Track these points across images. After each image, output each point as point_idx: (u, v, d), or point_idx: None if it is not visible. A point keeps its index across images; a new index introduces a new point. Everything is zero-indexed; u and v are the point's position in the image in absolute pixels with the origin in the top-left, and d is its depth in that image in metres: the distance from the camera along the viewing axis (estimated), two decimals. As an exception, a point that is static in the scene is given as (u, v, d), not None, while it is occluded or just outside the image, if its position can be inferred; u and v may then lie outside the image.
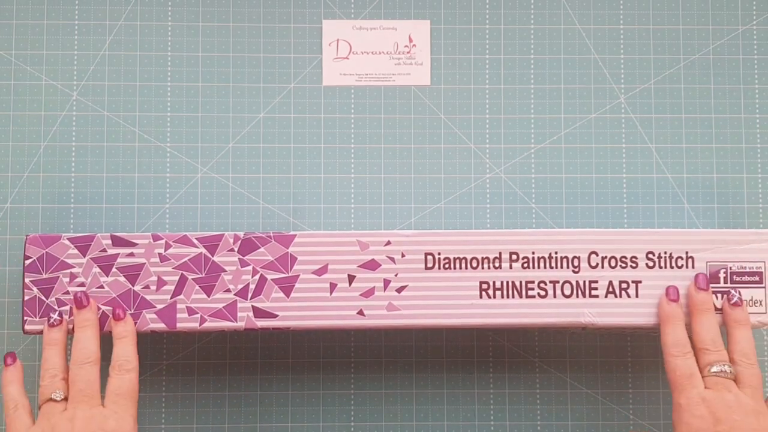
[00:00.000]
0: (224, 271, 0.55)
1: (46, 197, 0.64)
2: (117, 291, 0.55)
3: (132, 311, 0.55)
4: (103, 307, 0.55)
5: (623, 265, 0.56)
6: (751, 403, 0.53)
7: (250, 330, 0.55)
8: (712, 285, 0.56)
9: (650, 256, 0.56)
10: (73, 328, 0.55)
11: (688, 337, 0.55)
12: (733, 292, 0.56)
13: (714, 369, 0.53)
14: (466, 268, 0.56)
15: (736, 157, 0.66)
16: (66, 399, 0.53)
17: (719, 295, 0.56)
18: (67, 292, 0.55)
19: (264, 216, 0.65)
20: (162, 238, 0.55)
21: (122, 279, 0.55)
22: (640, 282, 0.56)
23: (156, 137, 0.65)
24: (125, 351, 0.54)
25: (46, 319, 0.55)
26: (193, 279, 0.55)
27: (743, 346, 0.54)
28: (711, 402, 0.52)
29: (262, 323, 0.55)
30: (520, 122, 0.66)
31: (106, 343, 0.55)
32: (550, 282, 0.56)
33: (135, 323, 0.55)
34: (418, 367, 0.64)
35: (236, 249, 0.56)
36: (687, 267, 0.56)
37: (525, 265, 0.56)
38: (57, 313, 0.55)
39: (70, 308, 0.55)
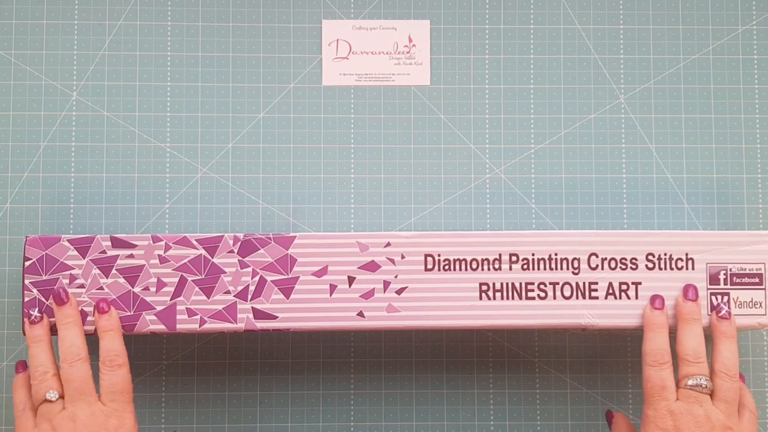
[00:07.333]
0: (224, 272, 0.55)
1: (45, 197, 0.64)
2: (117, 292, 0.55)
3: (132, 312, 0.55)
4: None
5: (623, 266, 0.56)
6: (721, 418, 0.52)
7: (250, 331, 0.55)
8: (712, 286, 0.56)
9: (650, 257, 0.56)
10: (55, 325, 0.54)
11: (672, 347, 0.54)
12: (722, 305, 0.56)
13: (690, 382, 0.53)
14: (466, 269, 0.56)
15: (736, 157, 0.66)
16: (61, 397, 0.52)
17: (715, 301, 0.56)
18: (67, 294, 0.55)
19: (264, 216, 0.65)
20: (161, 240, 0.55)
21: (122, 280, 0.55)
22: (640, 283, 0.56)
23: (156, 137, 0.65)
24: (113, 345, 0.54)
25: (26, 318, 0.54)
26: (192, 280, 0.55)
27: (726, 359, 0.54)
28: (678, 416, 0.52)
29: (261, 325, 0.55)
30: (519, 122, 0.66)
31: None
32: (550, 283, 0.56)
33: (135, 325, 0.55)
34: (418, 367, 0.64)
35: (236, 250, 0.56)
36: (687, 269, 0.56)
37: (525, 266, 0.56)
38: (36, 309, 0.54)
39: (46, 306, 0.55)
